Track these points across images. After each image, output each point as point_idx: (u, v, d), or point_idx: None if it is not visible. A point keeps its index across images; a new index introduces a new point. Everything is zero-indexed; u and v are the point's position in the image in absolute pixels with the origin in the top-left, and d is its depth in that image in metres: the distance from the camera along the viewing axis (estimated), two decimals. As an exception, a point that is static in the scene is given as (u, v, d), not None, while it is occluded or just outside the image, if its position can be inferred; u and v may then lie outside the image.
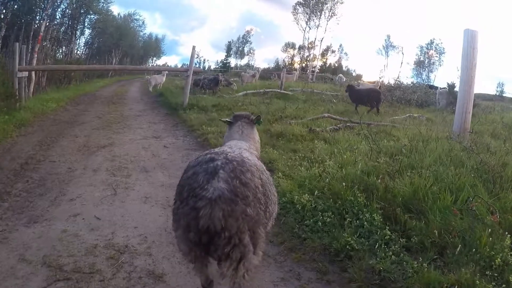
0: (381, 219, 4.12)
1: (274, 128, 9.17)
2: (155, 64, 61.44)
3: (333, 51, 60.64)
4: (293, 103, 14.65)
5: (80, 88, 22.53)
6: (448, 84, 17.09)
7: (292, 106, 13.18)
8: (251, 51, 61.99)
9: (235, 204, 2.17)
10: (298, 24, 54.13)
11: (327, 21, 52.68)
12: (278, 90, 19.13)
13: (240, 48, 61.17)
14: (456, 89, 17.97)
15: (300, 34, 66.95)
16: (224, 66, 54.02)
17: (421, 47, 54.37)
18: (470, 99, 8.24)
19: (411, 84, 22.99)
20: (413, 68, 53.35)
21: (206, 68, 44.87)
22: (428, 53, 53.75)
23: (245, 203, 2.23)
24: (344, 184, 4.82)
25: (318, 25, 53.26)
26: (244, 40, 61.40)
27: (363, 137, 8.06)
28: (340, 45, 62.29)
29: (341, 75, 36.85)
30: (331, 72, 50.89)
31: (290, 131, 8.67)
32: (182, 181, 2.46)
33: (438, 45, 53.52)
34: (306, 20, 53.69)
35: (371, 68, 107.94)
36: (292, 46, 61.06)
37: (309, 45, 55.43)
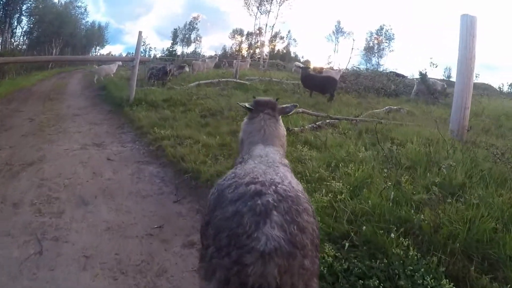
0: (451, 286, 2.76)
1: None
2: (98, 54, 58.18)
3: (281, 38, 59.87)
4: (255, 94, 13.12)
5: (16, 82, 19.93)
6: (420, 73, 16.26)
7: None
8: (198, 38, 60.02)
9: (293, 258, 1.66)
10: (249, 10, 52.83)
11: (279, 6, 51.57)
12: (234, 80, 17.61)
13: (187, 36, 59.07)
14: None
15: (249, 20, 65.82)
16: (171, 54, 52.19)
17: (371, 33, 54.70)
18: (469, 93, 7.49)
19: (377, 71, 22.07)
20: (363, 54, 53.70)
21: (152, 57, 42.80)
22: (378, 39, 54.20)
23: (303, 254, 1.71)
24: (377, 226, 3.42)
25: (270, 11, 52.21)
26: (191, 27, 59.24)
27: (354, 138, 6.80)
28: (289, 31, 61.53)
29: (297, 63, 35.63)
30: (280, 58, 50.41)
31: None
32: (217, 221, 1.83)
33: (387, 31, 53.93)
34: (258, 5, 52.44)
35: (320, 54, 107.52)
36: (240, 32, 59.78)
37: (258, 32, 54.25)
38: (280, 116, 3.04)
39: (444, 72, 44.38)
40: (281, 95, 13.60)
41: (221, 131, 7.76)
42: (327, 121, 8.57)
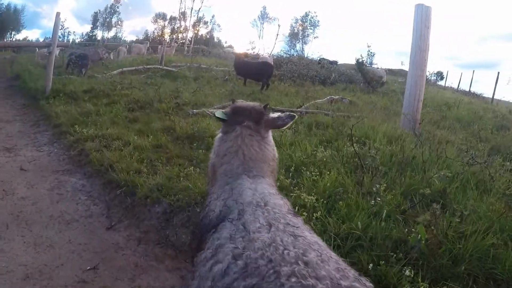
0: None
1: (178, 125, 6.82)
2: (14, 39, 53.75)
3: (205, 23, 58.81)
4: (184, 83, 12.25)
5: None
6: (356, 60, 16.01)
7: (186, 88, 10.81)
8: (119, 22, 57.46)
9: None
10: (173, -8, 51.33)
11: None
12: (160, 67, 16.51)
13: (108, 20, 56.34)
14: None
15: (172, 4, 64.19)
16: (90, 39, 49.45)
17: (296, 19, 55.32)
18: (422, 86, 7.40)
19: (308, 58, 21.70)
20: (288, 40, 54.28)
21: (71, 42, 40.29)
22: (303, 25, 54.96)
23: None
24: (374, 255, 2.88)
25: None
26: (112, 11, 56.62)
27: (304, 134, 6.30)
28: (213, 16, 60.56)
29: (229, 48, 34.75)
30: (203, 44, 49.62)
31: (205, 130, 6.38)
32: None
33: (312, 17, 54.62)
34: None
35: (244, 40, 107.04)
36: (163, 17, 57.97)
37: (181, 16, 52.75)
38: (269, 131, 2.28)
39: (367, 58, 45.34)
40: (213, 83, 12.87)
41: (153, 127, 6.90)
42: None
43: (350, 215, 3.33)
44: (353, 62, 16.80)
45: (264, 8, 55.99)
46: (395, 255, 2.79)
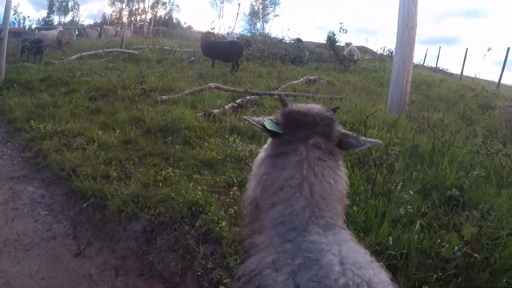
0: None
1: (147, 115, 6.17)
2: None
3: (163, 4, 57.16)
4: (148, 66, 11.45)
5: None
6: (328, 37, 15.48)
7: (152, 72, 10.06)
8: (76, 6, 54.96)
9: None
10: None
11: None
12: (121, 50, 15.58)
13: (64, 4, 53.87)
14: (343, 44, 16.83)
15: None
16: (47, 25, 47.35)
17: (257, -3, 54.43)
18: (411, 65, 7.08)
19: (273, 37, 20.93)
20: (248, 19, 53.46)
21: (27, 28, 38.34)
22: (263, 3, 54.29)
23: None
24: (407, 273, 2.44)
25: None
26: (68, -6, 54.06)
27: None
28: (171, -3, 58.88)
29: (194, 29, 33.33)
30: (162, 25, 48.27)
31: (180, 120, 5.73)
32: None
33: (273, -4, 53.85)
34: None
35: (204, 20, 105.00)
36: (120, -1, 55.90)
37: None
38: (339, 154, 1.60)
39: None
40: (179, 66, 12.15)
41: (118, 119, 6.22)
42: (247, 97, 7.33)
43: (370, 224, 2.82)
44: (316, 40, 16.26)
45: (223, -13, 54.64)
46: (435, 275, 2.31)
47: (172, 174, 4.15)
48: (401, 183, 3.42)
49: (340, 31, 15.63)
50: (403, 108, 6.74)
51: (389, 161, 3.70)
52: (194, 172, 4.28)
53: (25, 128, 6.25)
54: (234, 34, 24.97)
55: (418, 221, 2.85)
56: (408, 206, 2.89)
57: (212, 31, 20.02)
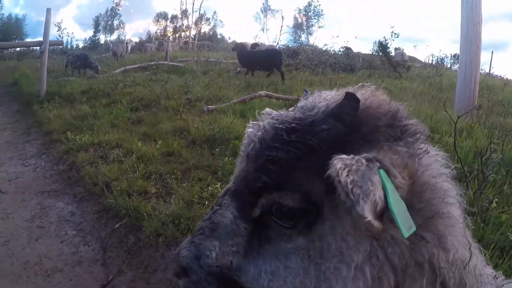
0: None
1: (192, 124, 5.54)
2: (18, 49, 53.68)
3: (207, 19, 58.03)
4: (193, 77, 10.97)
5: None
6: (380, 43, 14.70)
7: (197, 82, 9.52)
8: (121, 25, 56.74)
9: None
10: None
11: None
12: (165, 62, 15.29)
13: (109, 23, 55.60)
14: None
15: (172, 3, 63.96)
16: (93, 43, 48.88)
17: (299, 9, 54.48)
18: (478, 64, 6.47)
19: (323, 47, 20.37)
20: (292, 31, 53.63)
21: (74, 47, 39.65)
22: (306, 15, 54.40)
23: None
24: None
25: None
26: (113, 14, 55.88)
27: None
28: (214, 12, 59.75)
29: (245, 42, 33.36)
30: (207, 40, 49.13)
31: (229, 130, 5.10)
32: None
33: (316, 7, 53.54)
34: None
35: (248, 35, 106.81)
36: (164, 16, 57.27)
37: (183, 14, 51.98)
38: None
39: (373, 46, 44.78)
40: (225, 76, 11.62)
41: (161, 129, 5.63)
42: (299, 106, 6.60)
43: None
44: (360, 50, 15.48)
45: (266, 0, 54.93)
46: None
47: (220, 190, 3.45)
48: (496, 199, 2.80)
49: (391, 36, 14.75)
50: (472, 113, 5.99)
51: (489, 173, 2.94)
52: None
53: (61, 139, 5.81)
54: (280, 45, 24.60)
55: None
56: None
57: (256, 42, 19.67)
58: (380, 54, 15.16)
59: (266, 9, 55.21)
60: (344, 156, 0.70)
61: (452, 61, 31.23)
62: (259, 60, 12.15)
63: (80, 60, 14.26)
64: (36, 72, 15.26)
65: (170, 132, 5.49)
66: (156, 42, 29.07)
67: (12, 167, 5.21)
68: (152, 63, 14.86)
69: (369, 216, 0.65)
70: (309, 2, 54.03)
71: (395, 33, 14.62)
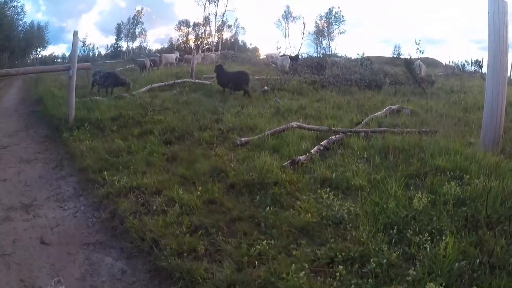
0: None
1: (229, 165, 5.50)
2: (40, 56, 53.94)
3: (229, 26, 58.14)
4: (221, 99, 10.94)
5: None
6: (405, 60, 14.58)
7: (227, 107, 9.48)
8: (143, 32, 57.12)
9: None
10: (197, -1, 50.80)
11: (229, -7, 49.94)
12: (192, 80, 15.28)
13: (131, 30, 56.02)
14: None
15: (194, 10, 64.28)
16: (115, 51, 49.35)
17: (320, 16, 54.11)
18: (504, 96, 6.27)
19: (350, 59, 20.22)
20: (314, 38, 53.34)
21: (96, 56, 39.85)
22: (327, 21, 54.05)
23: None
24: None
25: (219, -1, 50.22)
26: (135, 21, 56.23)
27: (382, 167, 5.15)
28: (236, 19, 59.76)
29: (270, 53, 32.89)
30: (228, 48, 49.21)
31: (267, 172, 5.02)
32: None
33: (337, 13, 53.20)
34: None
35: (269, 41, 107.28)
36: (186, 23, 57.57)
37: (205, 21, 52.43)
38: None
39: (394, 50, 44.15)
40: (253, 97, 11.56)
41: (199, 170, 5.56)
42: (333, 137, 6.50)
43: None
44: (381, 54, 15.40)
45: (288, 7, 54.71)
46: None
47: (267, 247, 3.41)
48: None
49: (417, 52, 14.67)
50: (498, 143, 6.08)
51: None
52: (291, 241, 3.60)
53: (98, 180, 5.76)
54: (302, 54, 24.53)
55: None
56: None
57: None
58: (405, 70, 15.04)
59: (287, 16, 55.09)
60: None
61: (473, 68, 30.66)
62: (231, 80, 12.92)
63: (108, 80, 13.95)
64: (61, 89, 15.20)
65: (207, 173, 5.42)
66: (178, 53, 29.07)
67: (51, 211, 5.18)
68: (179, 81, 14.87)
69: None
70: (330, 9, 53.74)
71: (421, 50, 14.54)
